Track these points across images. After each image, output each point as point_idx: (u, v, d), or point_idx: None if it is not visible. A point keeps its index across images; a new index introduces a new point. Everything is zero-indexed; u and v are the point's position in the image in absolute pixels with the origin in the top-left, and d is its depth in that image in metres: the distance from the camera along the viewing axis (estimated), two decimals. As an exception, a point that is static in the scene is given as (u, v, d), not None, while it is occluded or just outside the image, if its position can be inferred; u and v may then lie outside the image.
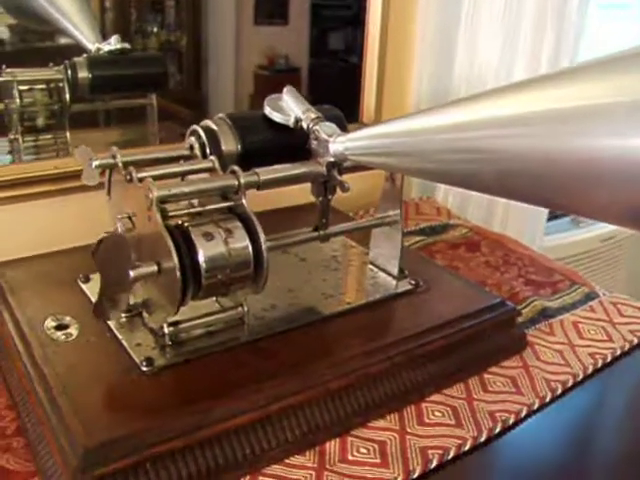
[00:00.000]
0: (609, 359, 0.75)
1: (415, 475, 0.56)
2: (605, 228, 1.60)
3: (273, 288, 0.68)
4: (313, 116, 0.65)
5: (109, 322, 0.61)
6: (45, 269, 0.72)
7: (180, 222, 0.57)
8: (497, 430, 0.62)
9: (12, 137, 0.93)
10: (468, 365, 0.68)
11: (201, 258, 0.55)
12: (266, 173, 0.61)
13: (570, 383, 0.70)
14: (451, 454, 0.58)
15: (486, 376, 0.69)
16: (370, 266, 0.75)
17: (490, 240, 1.00)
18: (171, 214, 0.57)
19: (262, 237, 0.57)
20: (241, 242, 0.57)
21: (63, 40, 0.95)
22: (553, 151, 0.40)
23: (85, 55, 0.92)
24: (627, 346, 0.77)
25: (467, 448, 0.59)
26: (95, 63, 0.93)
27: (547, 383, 0.69)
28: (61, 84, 0.93)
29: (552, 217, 1.54)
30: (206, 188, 0.58)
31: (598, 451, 0.64)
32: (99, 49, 0.94)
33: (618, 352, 0.76)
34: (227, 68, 1.15)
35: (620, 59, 0.38)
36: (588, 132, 0.38)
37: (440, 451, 0.58)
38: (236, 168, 0.59)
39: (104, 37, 0.94)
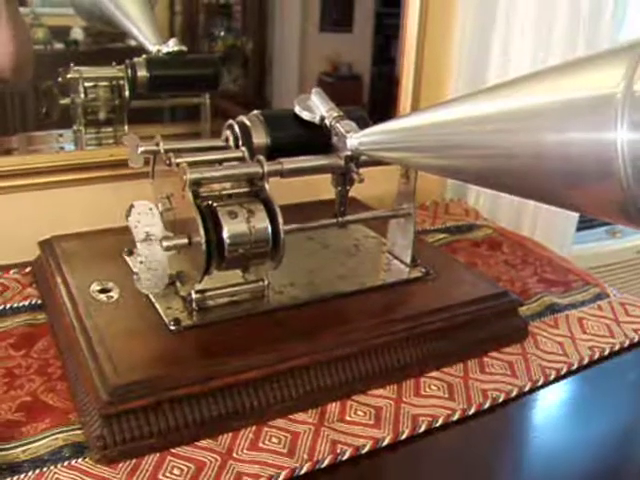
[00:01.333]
0: (607, 353, 0.79)
1: (403, 437, 0.62)
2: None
3: (294, 268, 0.75)
4: (335, 114, 0.73)
5: (146, 288, 0.70)
6: (95, 243, 0.81)
7: (209, 202, 0.64)
8: (486, 405, 0.68)
9: (76, 128, 1.03)
10: (468, 348, 0.74)
11: (225, 234, 0.63)
12: (289, 163, 0.69)
13: (564, 371, 0.75)
14: (439, 422, 0.65)
15: (485, 359, 0.75)
16: (386, 254, 0.82)
17: (512, 241, 1.06)
18: (202, 195, 0.65)
19: (280, 219, 0.64)
20: (262, 222, 0.64)
21: (123, 42, 1.04)
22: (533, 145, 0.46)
23: (145, 56, 1.01)
24: (627, 342, 0.82)
25: (455, 418, 0.66)
26: (153, 63, 1.01)
27: (542, 369, 0.74)
28: (122, 82, 1.01)
29: (587, 226, 1.57)
30: (233, 174, 0.66)
31: (579, 437, 0.69)
32: (159, 50, 1.02)
33: (617, 347, 0.80)
34: (291, 73, 1.20)
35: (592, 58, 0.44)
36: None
37: (429, 418, 0.64)
38: (261, 157, 0.67)
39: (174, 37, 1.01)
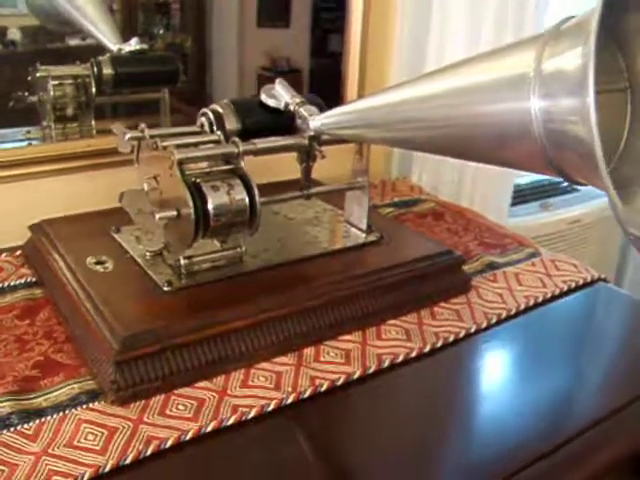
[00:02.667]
0: (540, 300, 0.92)
1: (371, 371, 0.73)
2: (572, 212, 1.77)
3: (266, 237, 0.86)
4: (298, 101, 0.83)
5: (136, 258, 0.79)
6: (83, 224, 0.90)
7: (194, 179, 0.74)
8: (439, 344, 0.79)
9: (45, 124, 1.09)
10: (421, 299, 0.85)
11: (210, 205, 0.72)
12: (261, 143, 0.79)
13: (504, 316, 0.87)
14: (401, 358, 0.76)
15: (435, 308, 0.86)
16: (344, 224, 0.93)
17: (454, 212, 1.18)
18: (187, 173, 0.74)
19: (256, 192, 0.75)
20: (240, 194, 0.74)
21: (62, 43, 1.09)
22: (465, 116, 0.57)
23: (108, 54, 1.08)
24: (557, 291, 0.94)
25: (414, 355, 0.77)
26: (118, 61, 1.07)
27: (484, 315, 0.86)
28: (88, 79, 1.07)
29: (521, 201, 1.71)
30: (214, 153, 0.76)
31: (520, 368, 0.81)
32: (120, 49, 1.10)
33: (549, 295, 0.93)
34: (230, 69, 1.24)
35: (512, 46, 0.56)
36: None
37: (392, 356, 0.76)
38: (236, 139, 0.77)
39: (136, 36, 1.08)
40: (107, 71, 1.08)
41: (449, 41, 1.25)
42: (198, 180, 0.74)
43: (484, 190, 1.36)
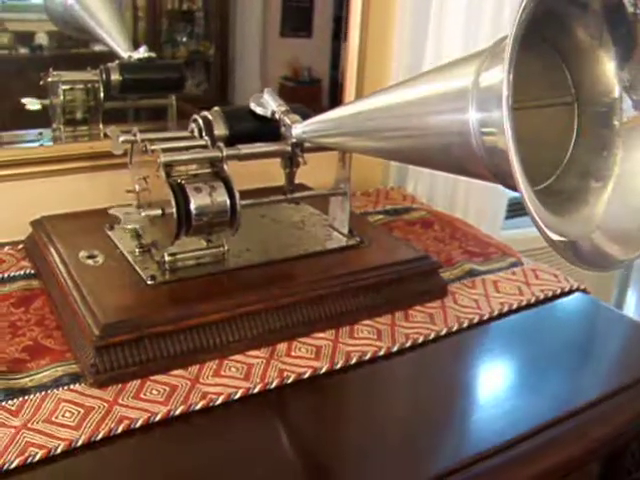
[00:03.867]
0: (515, 307, 0.95)
1: (338, 367, 0.77)
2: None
3: (250, 238, 0.90)
4: (283, 109, 0.88)
5: (126, 254, 0.85)
6: (80, 221, 0.95)
7: (179, 181, 0.79)
8: (408, 344, 0.83)
9: (55, 127, 1.15)
10: (396, 302, 0.89)
11: (192, 205, 0.77)
12: (245, 148, 0.84)
13: (476, 320, 0.90)
14: (368, 356, 0.80)
15: (410, 311, 0.90)
16: (327, 227, 0.97)
17: (443, 221, 1.22)
18: (173, 175, 0.79)
19: (237, 194, 0.79)
20: (222, 196, 0.79)
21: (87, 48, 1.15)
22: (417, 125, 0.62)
23: (117, 61, 1.13)
24: (533, 299, 0.97)
25: (382, 354, 0.81)
26: (125, 68, 1.13)
27: (457, 319, 0.90)
28: (97, 85, 1.13)
29: (519, 214, 1.74)
30: (198, 157, 0.81)
31: (490, 369, 0.84)
32: (130, 57, 1.15)
33: (524, 303, 0.96)
34: (253, 77, 1.28)
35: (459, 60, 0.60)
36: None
37: (360, 354, 0.80)
38: (221, 144, 0.82)
39: (136, 45, 1.13)
40: (115, 77, 1.13)
41: (446, 47, 1.28)
42: (183, 182, 0.79)
43: (478, 201, 1.40)
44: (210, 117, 0.88)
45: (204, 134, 0.88)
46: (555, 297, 1.00)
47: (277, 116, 0.88)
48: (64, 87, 1.13)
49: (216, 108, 0.90)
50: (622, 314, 1.06)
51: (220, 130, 0.88)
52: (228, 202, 0.79)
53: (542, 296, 0.99)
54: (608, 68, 0.62)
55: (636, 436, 0.84)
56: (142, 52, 1.16)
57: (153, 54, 1.16)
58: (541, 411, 0.75)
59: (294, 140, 0.86)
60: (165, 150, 0.80)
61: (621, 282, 2.03)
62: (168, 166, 0.79)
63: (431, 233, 1.16)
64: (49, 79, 1.12)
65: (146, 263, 0.83)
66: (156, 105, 1.25)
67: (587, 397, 0.78)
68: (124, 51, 1.15)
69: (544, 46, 0.61)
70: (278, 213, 1.00)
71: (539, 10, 0.51)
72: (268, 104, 0.90)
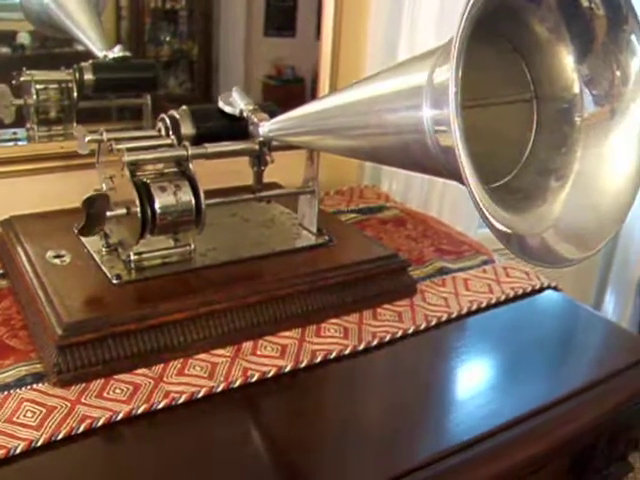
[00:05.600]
0: (484, 305, 0.95)
1: (302, 365, 0.78)
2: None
3: (218, 237, 0.90)
4: (251, 108, 0.88)
5: (93, 253, 0.84)
6: (49, 221, 0.95)
7: (144, 180, 0.79)
8: (374, 343, 0.83)
9: (29, 127, 1.14)
10: (364, 300, 0.89)
11: (157, 204, 0.77)
12: (212, 147, 0.84)
13: (444, 318, 0.91)
14: (334, 354, 0.80)
15: (378, 310, 0.90)
16: (297, 226, 0.97)
17: (417, 220, 1.22)
18: (138, 174, 0.79)
19: (202, 193, 0.79)
20: (187, 195, 0.79)
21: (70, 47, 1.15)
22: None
23: (91, 61, 1.13)
24: (503, 297, 0.98)
25: (347, 352, 0.81)
26: (98, 68, 1.13)
27: (425, 317, 0.90)
28: (70, 84, 1.12)
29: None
30: (163, 156, 0.81)
31: (458, 366, 0.85)
32: (105, 56, 1.15)
33: (494, 301, 0.97)
34: (236, 77, 1.27)
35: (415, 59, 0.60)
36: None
37: (325, 352, 0.80)
38: (186, 143, 0.82)
39: (120, 44, 1.13)
40: (88, 77, 1.13)
41: (419, 44, 1.28)
42: (148, 181, 0.79)
43: (453, 199, 1.40)
44: (177, 116, 0.88)
45: (171, 133, 0.88)
46: (526, 295, 1.00)
47: (245, 114, 0.88)
48: (38, 87, 1.12)
49: (184, 107, 0.90)
50: (593, 311, 1.06)
51: (187, 129, 0.88)
52: (193, 201, 0.79)
53: (512, 294, 0.99)
54: (567, 62, 0.62)
55: (605, 432, 0.85)
56: (117, 51, 1.16)
57: (128, 53, 1.16)
58: (509, 409, 0.76)
59: (261, 139, 0.86)
60: (130, 149, 0.80)
61: (599, 284, 2.05)
62: (133, 165, 0.79)
63: (403, 232, 1.16)
64: (22, 78, 1.11)
65: (113, 262, 0.83)
66: (132, 104, 1.25)
67: (555, 394, 0.78)
68: (100, 50, 1.15)
69: (501, 42, 0.61)
70: (249, 212, 1.00)
71: (491, 4, 0.51)
72: (236, 102, 0.90)
